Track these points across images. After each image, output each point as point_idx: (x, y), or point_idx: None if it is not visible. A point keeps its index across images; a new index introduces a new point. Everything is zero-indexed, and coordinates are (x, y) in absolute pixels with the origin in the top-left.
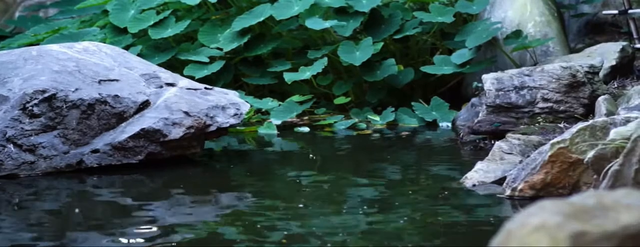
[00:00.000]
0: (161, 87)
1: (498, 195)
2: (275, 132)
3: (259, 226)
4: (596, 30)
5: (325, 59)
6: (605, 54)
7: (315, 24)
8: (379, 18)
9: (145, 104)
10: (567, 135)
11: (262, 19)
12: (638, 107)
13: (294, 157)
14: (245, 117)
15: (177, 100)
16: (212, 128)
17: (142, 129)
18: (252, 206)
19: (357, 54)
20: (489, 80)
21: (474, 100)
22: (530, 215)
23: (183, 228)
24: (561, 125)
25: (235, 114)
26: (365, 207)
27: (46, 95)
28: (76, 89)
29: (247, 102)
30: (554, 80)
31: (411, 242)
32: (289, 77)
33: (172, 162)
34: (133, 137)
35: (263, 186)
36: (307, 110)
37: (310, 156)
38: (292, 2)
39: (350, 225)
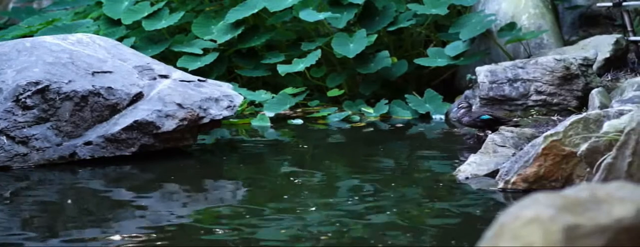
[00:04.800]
0: (154, 79)
1: (491, 188)
2: (269, 124)
3: (251, 218)
4: (590, 22)
5: (319, 51)
6: (599, 46)
7: (309, 16)
8: (373, 10)
9: (138, 96)
10: (560, 128)
11: (255, 10)
12: (631, 100)
13: (287, 150)
14: (239, 109)
15: (171, 92)
16: (206, 120)
17: (135, 121)
18: (244, 198)
19: (351, 46)
20: (482, 72)
21: (467, 92)
22: (524, 208)
23: (176, 220)
24: (554, 117)
25: (229, 106)
26: (357, 199)
27: (39, 87)
28: (69, 81)
29: (240, 94)
30: (547, 72)
31: (404, 234)
32: (282, 69)
33: (165, 154)
34: (126, 129)
35: (256, 178)
36: (301, 102)
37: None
38: None
39: (343, 217)
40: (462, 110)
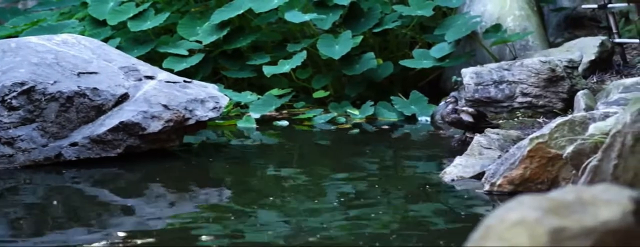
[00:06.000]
0: (140, 80)
1: (477, 190)
2: (254, 125)
3: (236, 219)
4: (575, 24)
5: (305, 52)
6: (584, 48)
7: (295, 17)
8: (359, 11)
9: (124, 97)
10: (546, 130)
11: (241, 11)
12: (617, 102)
13: (272, 151)
14: (224, 110)
15: (156, 94)
16: (191, 121)
17: (121, 122)
18: (230, 199)
19: (337, 48)
20: (468, 74)
21: (453, 94)
22: (509, 210)
23: (161, 221)
24: (540, 120)
25: (214, 108)
26: (343, 200)
27: (25, 87)
28: (55, 82)
29: (226, 95)
30: (533, 74)
31: (390, 235)
32: (268, 70)
33: (150, 155)
34: (112, 130)
35: (241, 179)
36: (286, 104)
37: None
38: None
39: (328, 219)
40: (451, 106)
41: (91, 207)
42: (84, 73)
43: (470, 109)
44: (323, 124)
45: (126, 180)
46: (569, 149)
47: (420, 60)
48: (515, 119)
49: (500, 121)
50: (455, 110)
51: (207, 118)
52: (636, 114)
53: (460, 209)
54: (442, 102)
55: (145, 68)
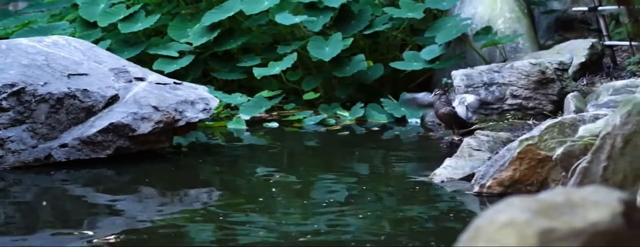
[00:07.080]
0: (130, 81)
1: (466, 191)
2: (244, 127)
3: (226, 220)
4: (566, 27)
5: (295, 54)
6: (574, 50)
7: (285, 19)
8: (349, 13)
9: (114, 99)
10: (535, 132)
11: (232, 13)
12: (607, 104)
13: (262, 153)
14: (214, 112)
15: (146, 95)
16: (181, 123)
17: (111, 124)
18: (220, 201)
19: (327, 50)
20: (458, 76)
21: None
22: (499, 211)
23: (150, 223)
24: (530, 122)
25: (205, 109)
26: (333, 201)
27: (15, 89)
28: (45, 83)
29: (216, 97)
30: (523, 76)
31: (379, 238)
32: (258, 72)
33: (140, 157)
34: (102, 131)
35: (231, 181)
36: (276, 105)
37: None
38: None
39: (318, 221)
40: (443, 97)
41: (80, 209)
42: (74, 75)
43: (473, 97)
44: (313, 125)
45: (116, 181)
46: (559, 150)
47: (411, 62)
48: (505, 121)
49: (490, 123)
50: (449, 102)
51: (197, 119)
52: (626, 116)
53: (449, 211)
54: (431, 96)
55: (136, 70)
